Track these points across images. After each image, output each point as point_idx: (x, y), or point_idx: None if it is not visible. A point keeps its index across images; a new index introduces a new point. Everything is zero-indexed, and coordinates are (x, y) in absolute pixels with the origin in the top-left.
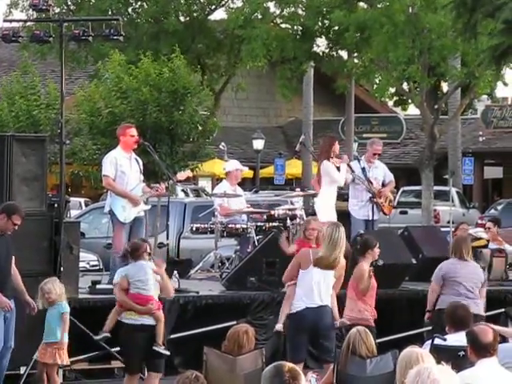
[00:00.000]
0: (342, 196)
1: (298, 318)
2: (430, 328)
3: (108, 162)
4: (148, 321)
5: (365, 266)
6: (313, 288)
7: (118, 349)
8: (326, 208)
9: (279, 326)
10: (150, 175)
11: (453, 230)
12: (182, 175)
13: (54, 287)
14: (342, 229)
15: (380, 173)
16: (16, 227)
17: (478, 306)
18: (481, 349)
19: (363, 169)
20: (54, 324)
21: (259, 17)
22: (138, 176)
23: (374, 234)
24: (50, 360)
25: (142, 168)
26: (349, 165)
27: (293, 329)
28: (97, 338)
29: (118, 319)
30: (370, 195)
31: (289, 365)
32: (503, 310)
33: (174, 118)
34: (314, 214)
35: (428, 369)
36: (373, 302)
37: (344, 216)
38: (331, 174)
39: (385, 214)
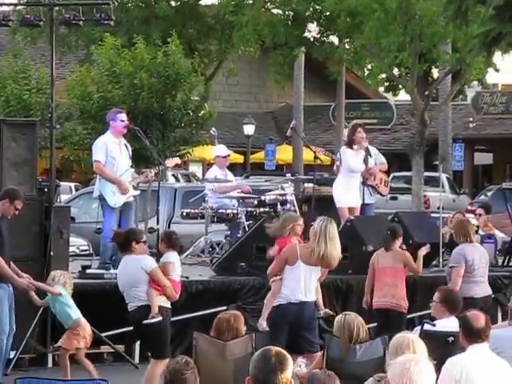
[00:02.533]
0: (327, 181)
1: (280, 311)
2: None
3: (98, 148)
4: None
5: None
6: (299, 285)
7: (107, 334)
8: (342, 195)
9: (264, 324)
10: (141, 160)
11: (450, 216)
12: (171, 162)
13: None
14: (335, 225)
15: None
16: (17, 212)
17: (489, 287)
18: (472, 334)
19: None
20: None
21: (250, 2)
22: (128, 161)
23: (364, 219)
24: None
25: (131, 153)
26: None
27: (273, 321)
28: (149, 321)
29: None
30: (361, 180)
31: (276, 349)
32: (493, 295)
33: (165, 104)
34: (306, 199)
35: (411, 364)
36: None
37: (327, 201)
38: (347, 161)
39: (381, 195)
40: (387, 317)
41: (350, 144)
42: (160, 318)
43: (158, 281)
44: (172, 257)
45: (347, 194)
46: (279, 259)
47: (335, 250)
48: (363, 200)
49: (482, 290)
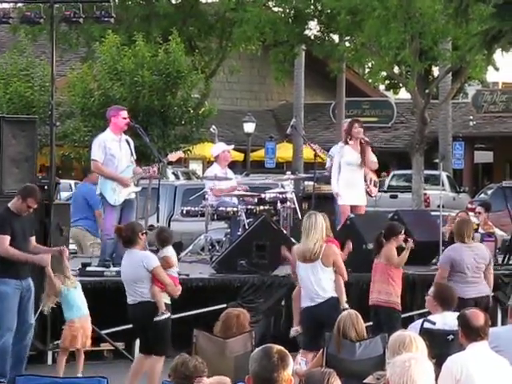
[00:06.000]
0: (327, 179)
1: (304, 315)
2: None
3: (97, 146)
4: None
5: (393, 247)
6: (307, 283)
7: (107, 331)
8: (341, 191)
9: (294, 330)
10: (142, 158)
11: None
12: (174, 156)
13: None
14: (315, 217)
15: None
16: (30, 210)
17: (485, 288)
18: (472, 332)
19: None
20: None
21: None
22: (129, 158)
23: (364, 217)
24: None
25: (133, 149)
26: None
27: (302, 324)
28: (159, 318)
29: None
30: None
31: (277, 347)
32: (493, 294)
33: (166, 101)
34: (305, 197)
35: (411, 363)
36: (400, 284)
37: (327, 200)
38: (337, 156)
39: (370, 195)
40: (378, 314)
41: (346, 140)
42: (169, 314)
43: (161, 279)
44: (167, 251)
45: (348, 190)
46: (291, 265)
47: (311, 243)
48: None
49: (475, 290)
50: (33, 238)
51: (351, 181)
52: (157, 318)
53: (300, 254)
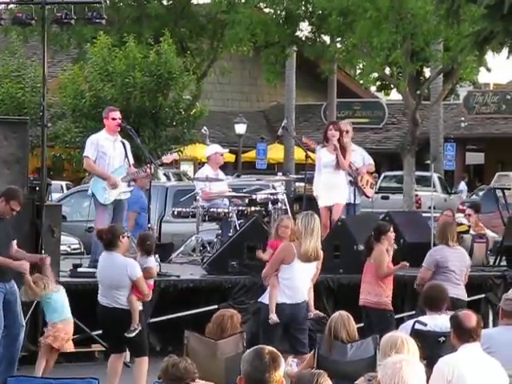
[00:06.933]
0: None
1: (279, 310)
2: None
3: (89, 144)
4: None
5: (383, 249)
6: (296, 283)
7: (98, 332)
8: (319, 193)
9: (274, 317)
10: (133, 159)
11: (438, 215)
12: (168, 158)
13: None
14: (315, 217)
15: (356, 156)
16: (14, 213)
17: (462, 291)
18: (464, 334)
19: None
20: None
21: (242, 1)
22: (123, 159)
23: (355, 219)
24: None
25: (129, 152)
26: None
27: (267, 320)
28: (130, 335)
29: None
30: (351, 178)
31: (268, 348)
32: (484, 295)
33: (157, 103)
34: (296, 198)
35: (403, 364)
36: (391, 285)
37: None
38: (317, 158)
39: (367, 196)
40: (370, 315)
41: (323, 142)
42: (140, 328)
43: (141, 289)
44: (150, 262)
45: (323, 193)
46: (276, 259)
47: (318, 244)
48: (354, 200)
49: (456, 291)
50: (14, 242)
51: (328, 183)
52: (129, 335)
53: (304, 253)
